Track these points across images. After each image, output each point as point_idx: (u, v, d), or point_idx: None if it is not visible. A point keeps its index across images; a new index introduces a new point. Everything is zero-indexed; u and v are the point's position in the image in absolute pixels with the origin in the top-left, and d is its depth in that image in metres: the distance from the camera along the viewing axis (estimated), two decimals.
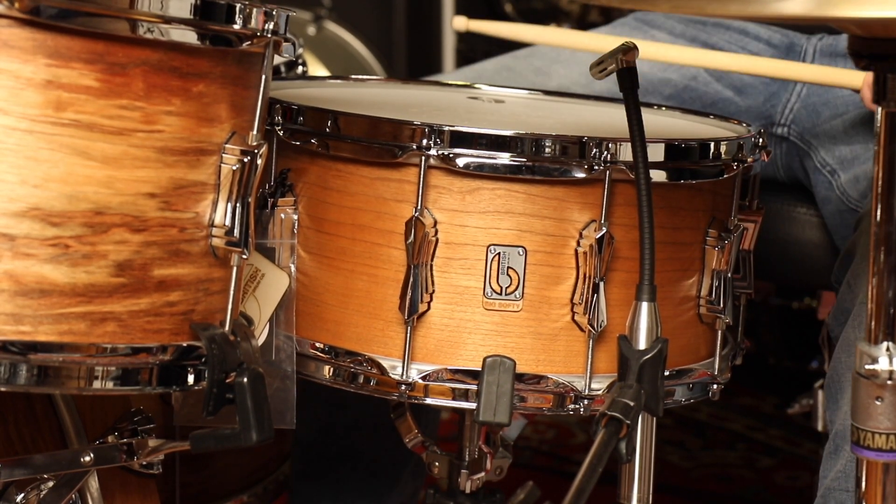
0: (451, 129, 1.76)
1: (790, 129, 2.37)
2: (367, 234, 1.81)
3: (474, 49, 4.29)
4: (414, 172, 1.78)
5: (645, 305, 1.71)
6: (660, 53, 2.26)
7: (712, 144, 1.85)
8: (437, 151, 1.76)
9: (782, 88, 2.40)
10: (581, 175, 1.77)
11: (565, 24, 4.22)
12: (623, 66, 1.73)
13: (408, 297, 1.78)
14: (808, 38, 2.40)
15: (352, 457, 2.45)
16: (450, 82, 2.31)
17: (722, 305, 1.89)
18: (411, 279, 1.77)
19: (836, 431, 2.00)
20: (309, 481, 2.47)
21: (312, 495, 2.46)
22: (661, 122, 2.10)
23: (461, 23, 2.46)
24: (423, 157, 1.77)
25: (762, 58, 2.33)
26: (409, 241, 1.77)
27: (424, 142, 1.76)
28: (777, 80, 2.39)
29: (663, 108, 2.21)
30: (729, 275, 1.89)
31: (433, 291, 1.79)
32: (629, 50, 1.73)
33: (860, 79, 2.15)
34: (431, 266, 1.79)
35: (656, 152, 1.79)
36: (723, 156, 1.86)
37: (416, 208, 1.78)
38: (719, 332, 1.93)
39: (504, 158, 1.77)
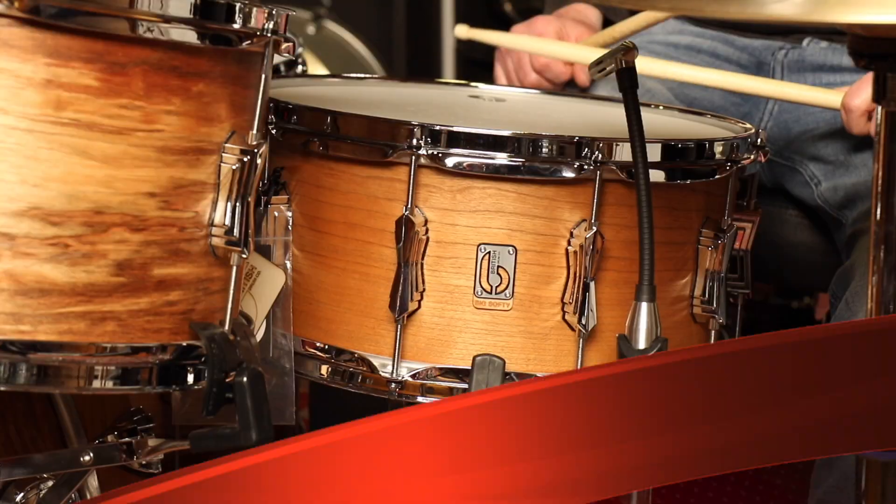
0: (441, 128, 1.77)
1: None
2: (358, 232, 1.82)
3: (474, 49, 4.28)
4: (404, 171, 1.78)
5: (644, 306, 1.71)
6: (645, 69, 2.23)
7: (707, 144, 1.85)
8: (428, 151, 1.77)
9: (754, 108, 2.40)
10: (571, 175, 1.78)
11: None
12: (622, 66, 1.73)
13: (398, 296, 1.78)
14: (774, 56, 2.39)
15: None
16: (449, 81, 2.32)
17: (715, 305, 1.89)
18: (402, 277, 1.78)
19: None
20: None
21: None
22: (657, 121, 2.10)
23: (462, 31, 2.47)
24: (414, 157, 1.77)
25: (743, 75, 2.32)
26: (400, 239, 1.77)
27: (414, 141, 1.77)
28: (749, 101, 2.39)
29: (661, 108, 2.21)
30: (723, 275, 1.89)
31: (424, 290, 1.79)
32: (629, 50, 1.73)
33: (837, 100, 2.15)
34: (422, 265, 1.79)
35: (653, 152, 1.79)
36: (717, 156, 1.86)
37: (406, 207, 1.78)
38: (713, 332, 1.93)
39: (495, 158, 1.77)
